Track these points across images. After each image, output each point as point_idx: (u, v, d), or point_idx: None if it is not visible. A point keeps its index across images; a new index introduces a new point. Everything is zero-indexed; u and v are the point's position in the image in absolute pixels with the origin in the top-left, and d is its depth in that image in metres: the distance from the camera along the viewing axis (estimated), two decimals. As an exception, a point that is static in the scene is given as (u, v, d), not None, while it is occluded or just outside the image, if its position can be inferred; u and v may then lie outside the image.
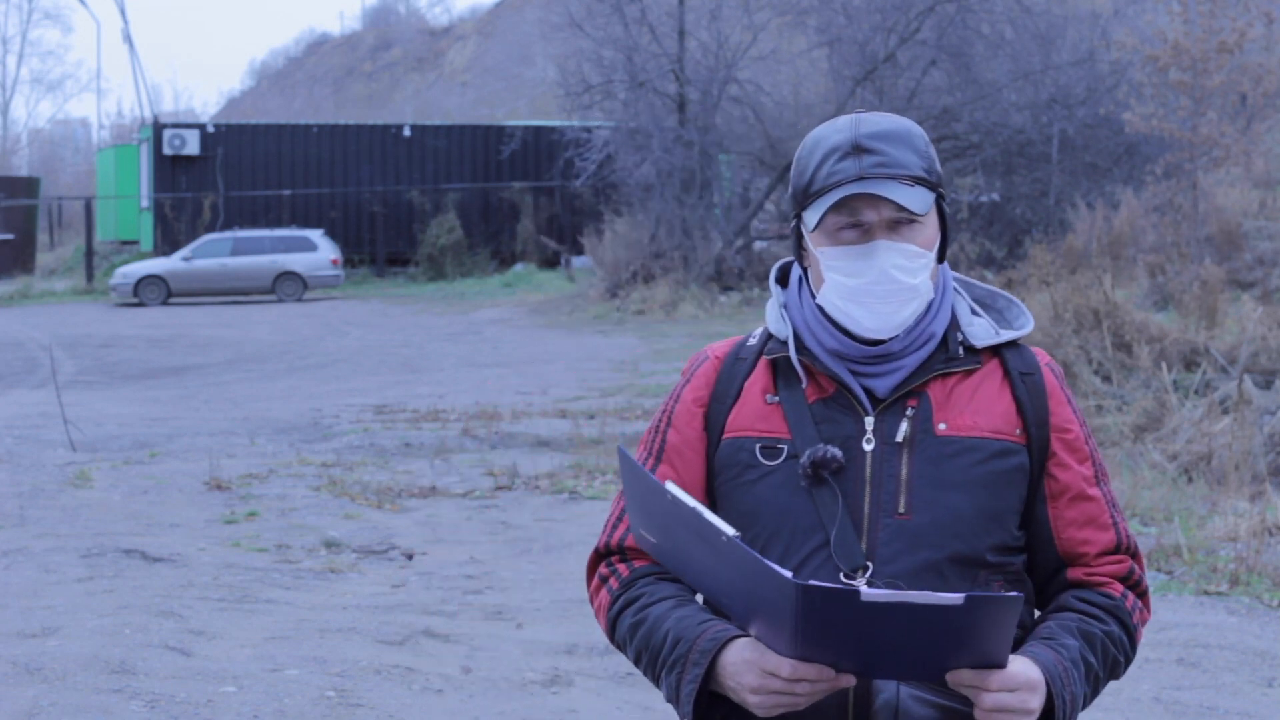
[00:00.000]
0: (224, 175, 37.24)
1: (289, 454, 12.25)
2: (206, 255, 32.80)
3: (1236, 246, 17.73)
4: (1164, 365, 11.21)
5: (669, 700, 2.26)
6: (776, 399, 2.35)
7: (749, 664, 2.15)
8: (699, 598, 2.33)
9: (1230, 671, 6.28)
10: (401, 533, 9.19)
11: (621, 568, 2.40)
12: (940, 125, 28.03)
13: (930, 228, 2.32)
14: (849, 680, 2.12)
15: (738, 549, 2.04)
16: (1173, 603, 7.32)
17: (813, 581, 2.02)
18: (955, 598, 1.99)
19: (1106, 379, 11.67)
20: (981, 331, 2.38)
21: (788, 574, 2.01)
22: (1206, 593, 7.44)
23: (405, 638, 6.84)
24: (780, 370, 2.38)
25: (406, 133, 38.29)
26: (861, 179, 2.26)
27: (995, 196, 28.05)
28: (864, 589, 2.00)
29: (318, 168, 37.72)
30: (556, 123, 36.22)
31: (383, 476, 11.07)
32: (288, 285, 32.85)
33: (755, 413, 2.35)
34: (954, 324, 2.38)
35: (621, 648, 2.38)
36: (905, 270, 2.28)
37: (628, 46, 28.99)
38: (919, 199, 2.27)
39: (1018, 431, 2.33)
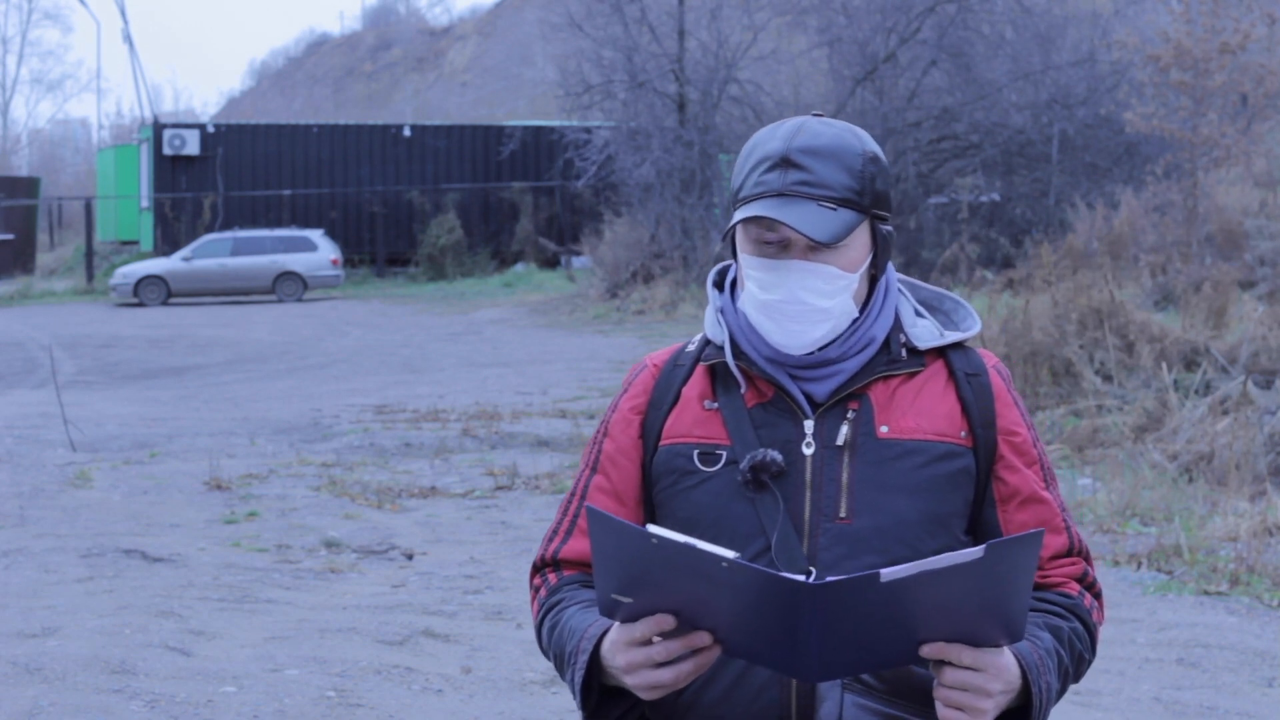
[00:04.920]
0: (224, 175, 37.25)
1: (289, 454, 12.24)
2: (206, 255, 32.79)
3: (1237, 246, 17.73)
4: (1165, 365, 11.20)
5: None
6: (715, 405, 2.30)
7: (615, 642, 2.09)
8: None
9: (1230, 671, 6.27)
10: (401, 533, 9.19)
11: (552, 577, 2.36)
12: (940, 125, 28.04)
13: (856, 249, 2.25)
14: (704, 642, 2.03)
15: (741, 570, 1.96)
16: (1173, 603, 7.32)
17: (829, 578, 1.96)
18: (975, 552, 1.95)
19: (1108, 379, 11.67)
20: (925, 333, 2.33)
21: (801, 577, 1.96)
22: (1207, 593, 7.43)
23: (405, 638, 6.84)
24: (718, 376, 2.33)
25: (406, 133, 38.30)
26: (781, 195, 2.21)
27: (995, 196, 28.06)
28: (883, 570, 1.95)
29: (318, 168, 37.72)
30: (556, 123, 36.22)
31: (383, 476, 11.07)
32: (288, 285, 32.85)
33: (693, 419, 2.31)
34: (897, 326, 2.33)
35: (545, 655, 2.33)
36: (819, 293, 2.23)
37: (628, 46, 28.99)
38: (835, 225, 2.20)
39: (963, 434, 2.28)
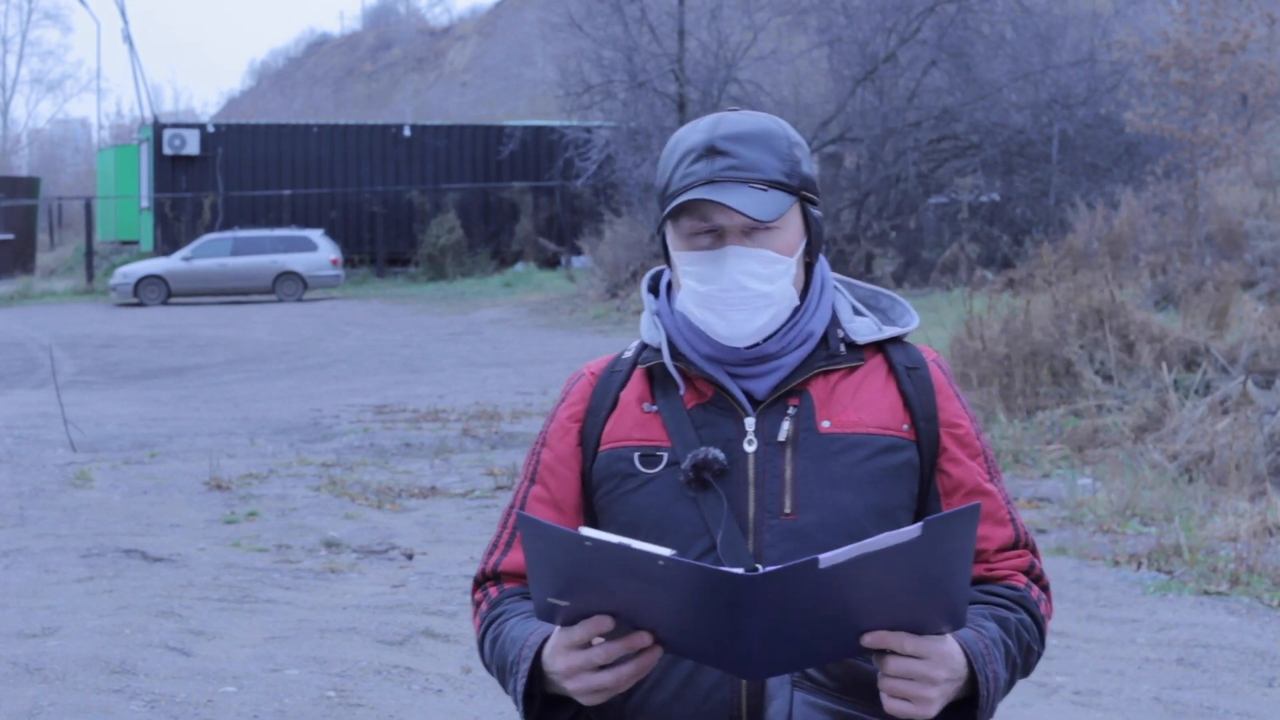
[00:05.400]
0: (224, 175, 37.25)
1: (289, 454, 12.25)
2: (206, 255, 32.79)
3: (1237, 246, 17.73)
4: (1165, 365, 11.20)
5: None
6: (654, 407, 2.29)
7: (555, 647, 2.08)
8: None
9: (1230, 671, 6.27)
10: (401, 533, 9.19)
11: (493, 590, 2.34)
12: (940, 125, 28.04)
13: (790, 232, 2.25)
14: (645, 643, 2.01)
15: (678, 567, 1.93)
16: (1173, 603, 7.32)
17: (768, 567, 1.93)
18: (913, 530, 1.92)
19: (1108, 379, 11.67)
20: (864, 328, 2.32)
21: (739, 570, 1.93)
22: (1206, 593, 7.43)
23: (405, 638, 6.84)
24: (656, 378, 2.32)
25: (406, 133, 38.31)
26: (711, 183, 2.20)
27: (995, 196, 28.06)
28: (821, 555, 1.92)
29: (318, 168, 37.73)
30: (556, 123, 36.22)
31: (383, 476, 11.07)
32: (288, 285, 32.85)
33: (633, 422, 2.29)
34: (834, 322, 2.32)
35: (489, 670, 2.30)
36: (759, 278, 2.22)
37: (628, 46, 28.99)
38: (770, 205, 2.20)
39: (905, 427, 2.27)
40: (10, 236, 41.36)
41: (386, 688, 6.15)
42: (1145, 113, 19.70)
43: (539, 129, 38.08)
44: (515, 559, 2.33)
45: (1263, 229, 17.92)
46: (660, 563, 1.93)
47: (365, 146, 37.98)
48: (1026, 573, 2.31)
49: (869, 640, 2.01)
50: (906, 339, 2.37)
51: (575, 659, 2.05)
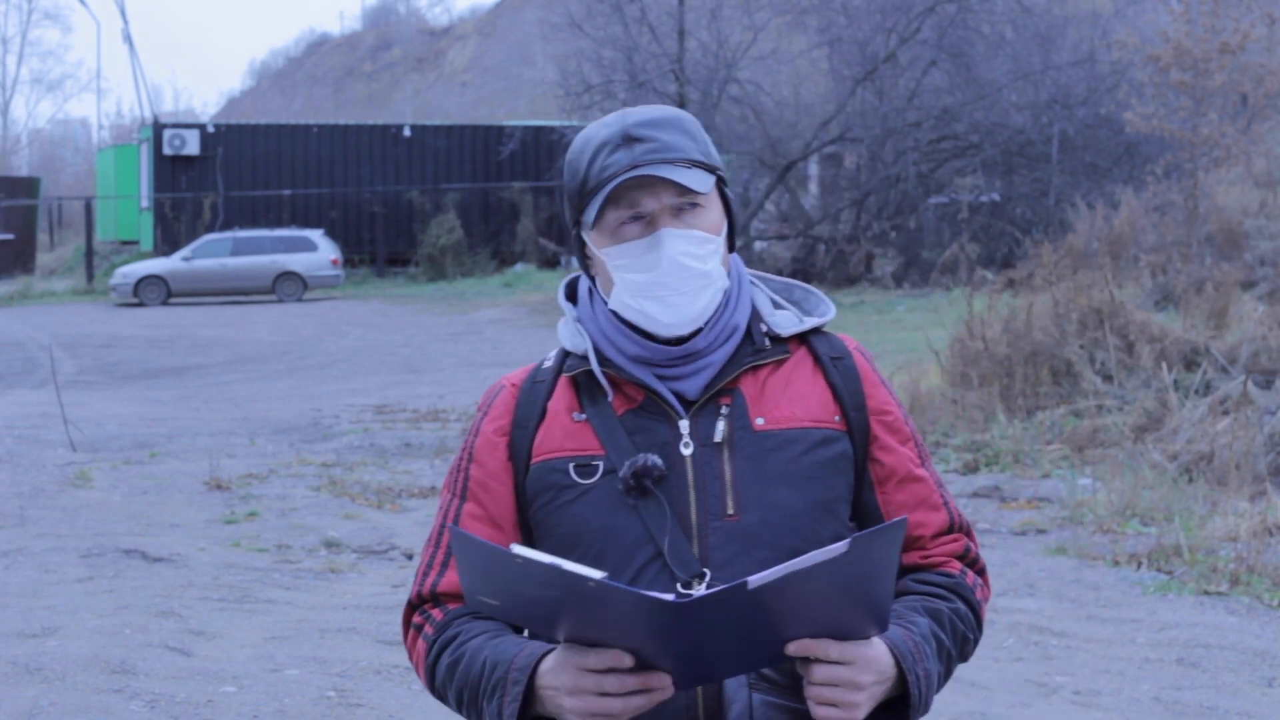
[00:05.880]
0: (224, 175, 37.24)
1: (289, 454, 12.25)
2: (206, 255, 32.78)
3: (1237, 246, 17.73)
4: (1165, 365, 11.20)
5: None
6: (583, 416, 2.25)
7: (563, 664, 2.05)
8: (525, 633, 2.24)
9: (1230, 671, 6.27)
10: (401, 533, 9.19)
11: (436, 613, 2.27)
12: (940, 125, 28.05)
13: (715, 212, 2.25)
14: (665, 691, 2.02)
15: (608, 590, 1.92)
16: (1173, 603, 7.32)
17: (695, 593, 1.93)
18: (839, 547, 1.92)
19: (1108, 379, 11.67)
20: (786, 320, 2.31)
21: (669, 597, 1.92)
22: (1206, 593, 7.43)
23: (405, 638, 6.83)
24: (583, 386, 2.28)
25: (406, 133, 38.30)
26: (636, 167, 2.18)
27: (995, 196, 28.07)
28: (750, 578, 1.91)
29: (318, 168, 37.72)
30: (556, 123, 36.23)
31: (383, 476, 11.07)
32: (288, 285, 32.84)
33: (563, 432, 2.25)
34: (756, 315, 2.31)
35: (442, 693, 2.24)
36: (695, 257, 2.20)
37: (628, 46, 29.00)
38: (699, 179, 2.19)
39: (837, 418, 2.26)
40: (10, 236, 41.36)
41: (386, 688, 6.15)
42: (1145, 113, 19.70)
43: (539, 129, 38.08)
44: (453, 579, 2.26)
45: (1263, 229, 17.93)
46: (590, 584, 1.92)
47: (365, 146, 37.97)
48: (962, 558, 2.30)
49: (793, 649, 2.01)
50: (825, 329, 2.36)
51: (586, 680, 2.03)
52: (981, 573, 2.32)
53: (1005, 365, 12.02)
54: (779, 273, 27.65)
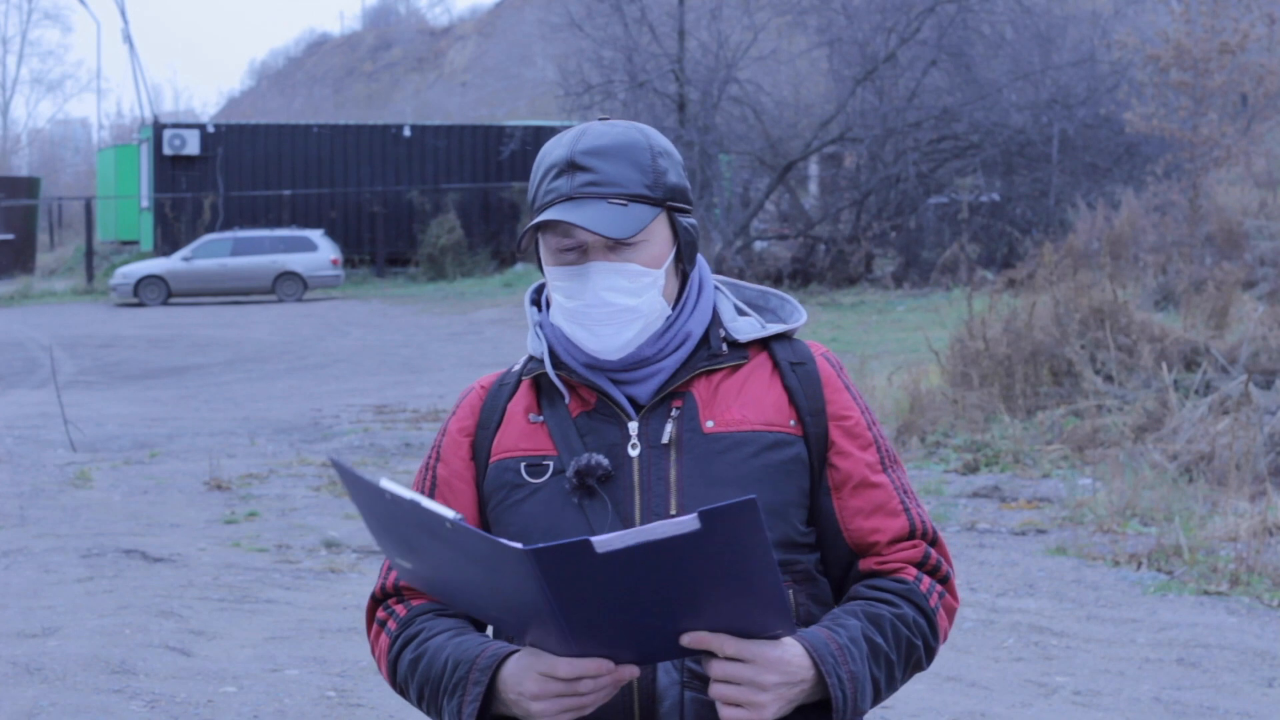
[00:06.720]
0: (224, 175, 37.25)
1: (289, 454, 12.25)
2: (206, 255, 32.79)
3: (1237, 246, 17.73)
4: (1165, 365, 11.20)
5: None
6: (540, 418, 2.30)
7: (527, 669, 2.07)
8: (489, 630, 2.27)
9: (1230, 671, 6.27)
10: (401, 533, 9.18)
11: (399, 608, 2.32)
12: (940, 125, 28.05)
13: (657, 244, 2.24)
14: (631, 671, 2.03)
15: (464, 532, 1.92)
16: (1173, 603, 7.32)
17: (539, 544, 1.90)
18: (689, 520, 1.88)
19: (1108, 379, 11.67)
20: (746, 326, 2.31)
21: (516, 545, 1.91)
22: (1206, 593, 7.43)
23: (405, 638, 6.84)
24: (542, 389, 2.33)
25: (406, 133, 38.31)
26: (570, 199, 2.20)
27: (995, 196, 28.07)
28: (595, 539, 1.89)
29: (318, 168, 37.73)
30: (556, 123, 36.20)
31: (383, 476, 11.06)
32: (288, 285, 32.84)
33: (520, 433, 2.30)
34: (715, 321, 2.31)
35: (403, 689, 2.28)
36: (624, 291, 2.22)
37: (627, 46, 28.98)
38: (629, 221, 2.19)
39: (792, 423, 2.26)
40: (10, 236, 41.37)
41: (386, 688, 6.14)
42: (1145, 113, 19.71)
43: (539, 129, 38.07)
44: None
45: (1263, 229, 17.93)
46: (447, 525, 1.93)
47: (365, 146, 37.98)
48: (920, 565, 2.27)
49: (687, 640, 2.00)
50: (794, 335, 2.36)
51: (552, 685, 2.04)
52: (944, 580, 2.28)
53: (1005, 365, 12.02)
54: (779, 273, 27.68)
